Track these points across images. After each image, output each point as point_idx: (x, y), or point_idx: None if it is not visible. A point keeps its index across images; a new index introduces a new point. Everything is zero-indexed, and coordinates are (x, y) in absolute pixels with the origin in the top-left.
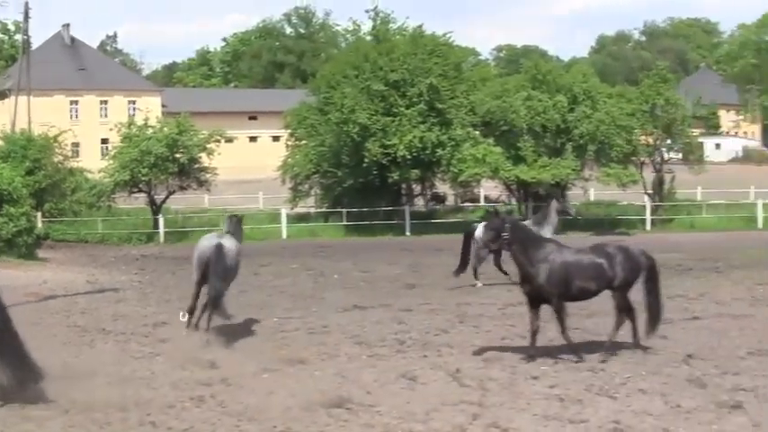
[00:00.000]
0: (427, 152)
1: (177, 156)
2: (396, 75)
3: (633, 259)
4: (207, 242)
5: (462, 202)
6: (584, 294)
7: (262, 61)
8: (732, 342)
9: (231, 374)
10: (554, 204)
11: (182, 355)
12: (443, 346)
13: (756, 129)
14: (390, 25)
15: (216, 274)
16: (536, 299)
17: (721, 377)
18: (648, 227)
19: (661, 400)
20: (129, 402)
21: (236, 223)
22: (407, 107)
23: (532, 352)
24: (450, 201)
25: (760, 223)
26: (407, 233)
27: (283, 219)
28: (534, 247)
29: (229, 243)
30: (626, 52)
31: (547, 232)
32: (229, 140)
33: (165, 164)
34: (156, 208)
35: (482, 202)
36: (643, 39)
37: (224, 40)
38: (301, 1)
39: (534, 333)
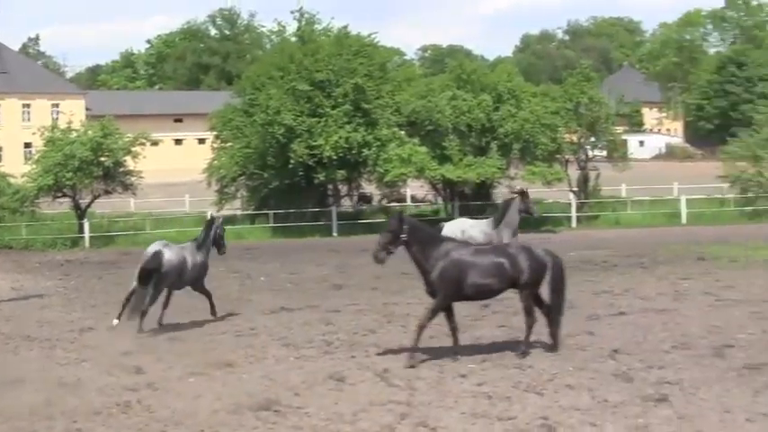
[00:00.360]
0: (353, 152)
1: (102, 159)
2: (321, 75)
3: (537, 259)
4: (148, 248)
5: (389, 203)
6: (482, 293)
7: (186, 63)
8: (657, 336)
9: (158, 379)
10: (515, 203)
11: (108, 360)
12: (371, 347)
13: (679, 126)
14: (316, 26)
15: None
16: (451, 300)
17: (647, 371)
18: (574, 224)
19: (588, 395)
20: (55, 410)
21: (204, 229)
22: (333, 108)
23: (457, 350)
24: (377, 201)
25: (683, 219)
26: (334, 234)
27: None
28: (432, 247)
29: (171, 252)
30: (550, 51)
31: (505, 234)
32: (155, 143)
33: (90, 168)
34: (80, 212)
35: (409, 202)
36: (567, 38)
37: (148, 42)
38: (226, 2)
39: (454, 332)
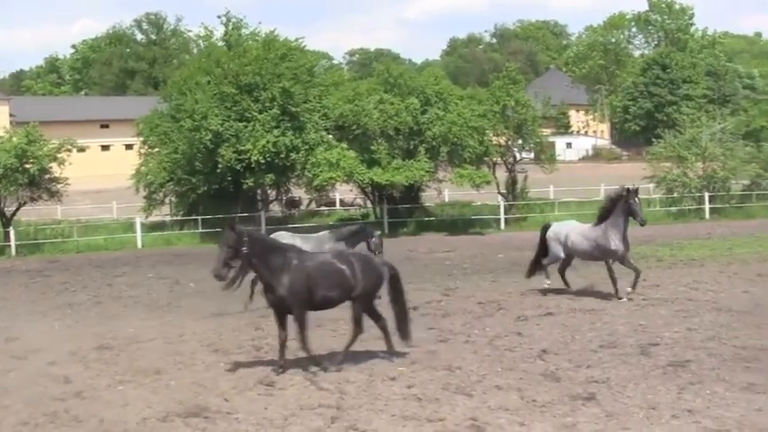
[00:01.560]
0: (281, 157)
1: (27, 166)
2: (248, 79)
3: (374, 269)
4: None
5: (318, 207)
6: (328, 303)
7: (113, 68)
8: (585, 336)
9: (85, 388)
10: (620, 205)
11: (34, 370)
12: (301, 351)
13: (605, 128)
14: (243, 30)
15: None
16: (281, 310)
17: (575, 370)
18: (503, 226)
19: (517, 395)
20: None
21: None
22: (260, 112)
23: (282, 363)
24: (306, 205)
25: None
26: None
27: (138, 228)
28: (274, 258)
29: None
30: (477, 54)
31: (613, 237)
32: (81, 150)
33: (15, 175)
34: (6, 220)
35: (338, 206)
36: (494, 41)
37: (73, 46)
38: (152, 7)
39: (282, 344)
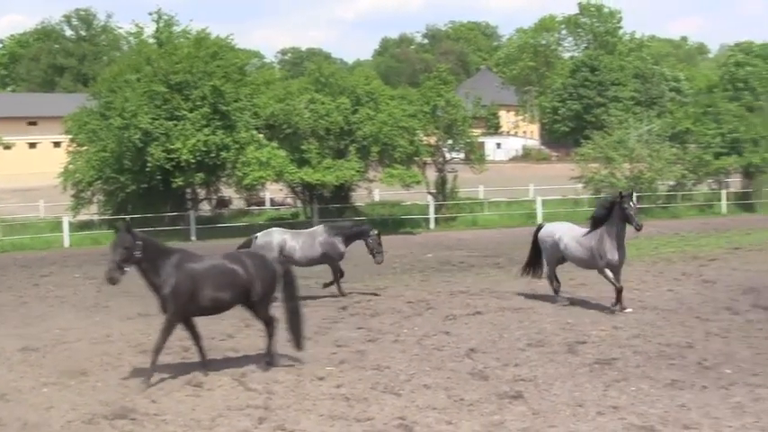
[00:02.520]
0: (212, 156)
1: None
2: (178, 77)
3: (268, 268)
4: None
5: (248, 206)
6: (219, 304)
7: (41, 64)
8: (512, 335)
9: (9, 390)
10: (617, 209)
11: None
12: (229, 351)
13: (535, 128)
14: (174, 28)
15: None
16: (185, 315)
17: (502, 369)
18: (433, 225)
19: (445, 394)
20: None
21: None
22: (191, 110)
23: (206, 364)
24: (237, 204)
25: (539, 219)
26: (193, 238)
27: (65, 227)
28: (163, 260)
29: None
30: (408, 54)
31: (608, 246)
32: (7, 147)
33: None
34: None
35: (268, 206)
36: (425, 41)
37: (0, 42)
38: (82, 2)
39: (200, 348)
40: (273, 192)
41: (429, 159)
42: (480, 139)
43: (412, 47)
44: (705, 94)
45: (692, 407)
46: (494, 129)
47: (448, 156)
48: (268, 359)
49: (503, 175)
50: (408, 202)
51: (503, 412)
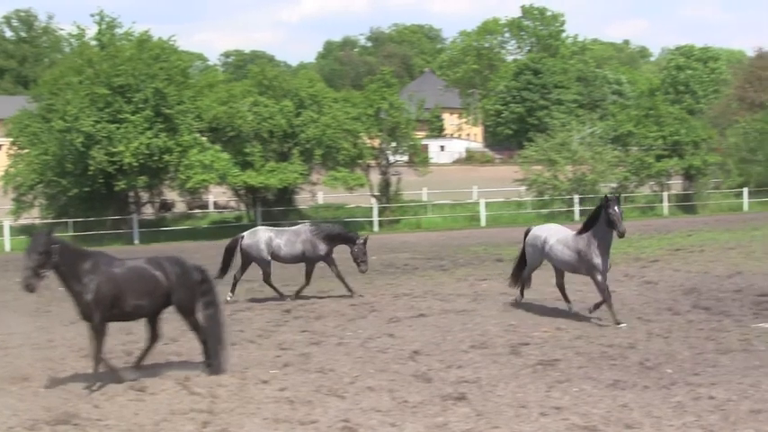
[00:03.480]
0: (154, 159)
1: None
2: (120, 80)
3: (188, 274)
4: None
5: (191, 209)
6: (139, 311)
7: None
8: (456, 337)
9: None
10: (603, 214)
11: None
12: (172, 355)
13: (478, 131)
14: (116, 30)
15: None
16: (87, 318)
17: (446, 371)
18: (376, 228)
19: (388, 397)
20: None
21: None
22: (133, 113)
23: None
24: (180, 208)
25: (483, 221)
26: (136, 242)
27: (6, 231)
28: (82, 264)
29: None
30: (352, 57)
31: (594, 250)
32: None
33: None
34: None
35: (211, 209)
36: (369, 44)
37: None
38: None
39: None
40: (217, 195)
41: (373, 162)
42: (424, 142)
43: (356, 50)
44: (647, 97)
45: (634, 406)
46: (437, 131)
47: (391, 158)
48: (208, 364)
49: (446, 178)
50: (352, 205)
51: (446, 414)
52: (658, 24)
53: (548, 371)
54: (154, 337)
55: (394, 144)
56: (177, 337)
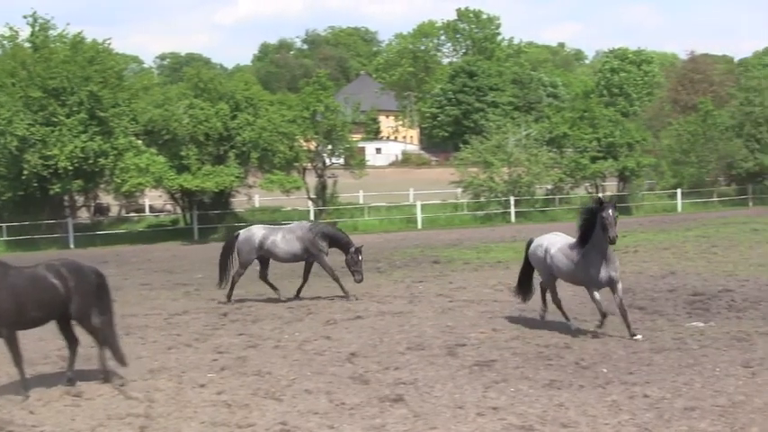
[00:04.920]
0: (90, 162)
1: None
2: (55, 82)
3: (85, 280)
4: None
5: (127, 213)
6: (38, 320)
7: None
8: (393, 339)
9: None
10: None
11: None
12: (109, 360)
13: (414, 133)
14: (50, 32)
15: None
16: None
17: (383, 373)
18: None
19: (326, 399)
20: None
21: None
22: (68, 116)
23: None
24: (116, 211)
25: (419, 224)
26: (71, 246)
27: None
28: None
29: None
30: (288, 60)
31: (593, 260)
32: None
33: None
34: None
35: (147, 212)
36: (305, 47)
37: None
38: None
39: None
40: (153, 198)
41: (309, 165)
42: (360, 145)
43: (291, 52)
44: (582, 100)
45: (570, 406)
46: (373, 134)
47: (328, 161)
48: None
49: (383, 180)
50: (288, 208)
51: (384, 416)
52: (593, 28)
53: (484, 371)
54: (72, 341)
55: (330, 147)
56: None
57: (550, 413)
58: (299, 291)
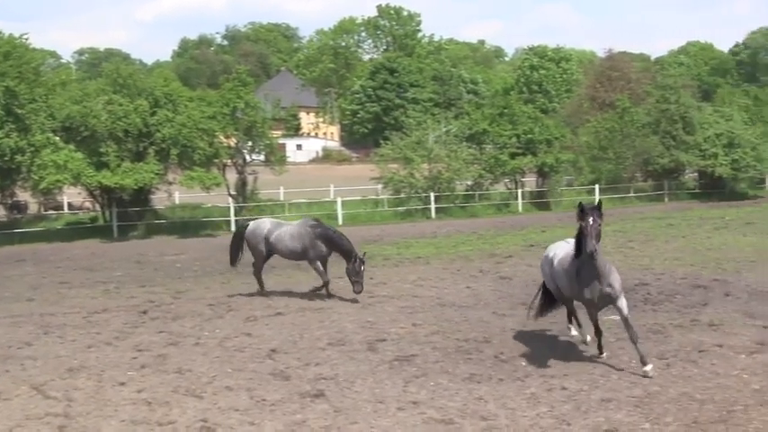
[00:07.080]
0: (6, 159)
1: None
2: None
3: None
4: None
5: (46, 210)
6: None
7: None
8: (313, 335)
9: None
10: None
11: None
12: (27, 359)
13: (335, 130)
14: None
15: None
16: None
17: (304, 368)
18: (233, 228)
19: (247, 395)
20: None
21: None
22: None
23: None
24: (34, 209)
25: (340, 220)
26: None
27: None
28: None
29: None
30: (208, 56)
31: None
32: None
33: None
34: None
35: (66, 210)
36: (225, 43)
37: None
38: None
39: None
40: (71, 196)
41: (229, 161)
42: (280, 141)
43: (212, 48)
44: (501, 96)
45: (490, 399)
46: (294, 130)
47: (248, 157)
48: None
49: (303, 177)
50: (209, 205)
51: (305, 411)
52: (512, 25)
53: (404, 366)
54: None
55: (250, 143)
56: (32, 341)
57: (470, 406)
58: (323, 288)
